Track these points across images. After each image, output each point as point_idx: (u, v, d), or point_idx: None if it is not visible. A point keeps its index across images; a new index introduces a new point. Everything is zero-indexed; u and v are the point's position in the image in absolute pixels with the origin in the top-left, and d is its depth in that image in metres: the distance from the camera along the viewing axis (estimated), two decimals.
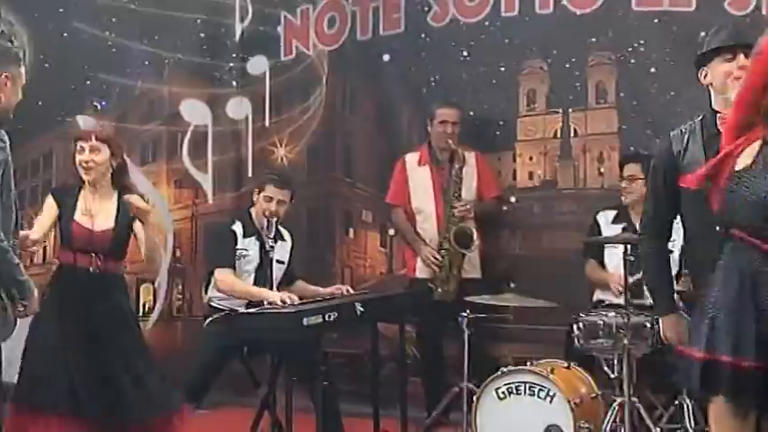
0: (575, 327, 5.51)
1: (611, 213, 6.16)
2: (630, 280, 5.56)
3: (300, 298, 5.49)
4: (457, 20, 7.11)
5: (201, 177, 7.82)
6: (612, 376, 5.37)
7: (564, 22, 6.78)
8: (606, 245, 6.05)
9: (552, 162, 6.92)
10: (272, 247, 5.60)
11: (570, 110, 6.85)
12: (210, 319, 5.70)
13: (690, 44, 6.34)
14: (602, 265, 6.16)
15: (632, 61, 6.61)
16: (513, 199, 6.93)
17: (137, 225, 5.28)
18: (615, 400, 5.25)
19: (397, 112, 7.41)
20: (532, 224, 6.78)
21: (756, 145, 3.35)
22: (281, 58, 7.76)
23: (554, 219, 6.89)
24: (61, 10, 7.41)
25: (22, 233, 4.53)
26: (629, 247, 5.51)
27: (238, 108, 7.86)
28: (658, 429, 5.28)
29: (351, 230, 7.60)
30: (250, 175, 7.72)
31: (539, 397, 5.35)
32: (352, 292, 5.97)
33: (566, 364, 5.59)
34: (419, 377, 6.89)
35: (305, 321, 4.89)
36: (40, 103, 7.38)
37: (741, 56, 3.95)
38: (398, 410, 5.86)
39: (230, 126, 7.88)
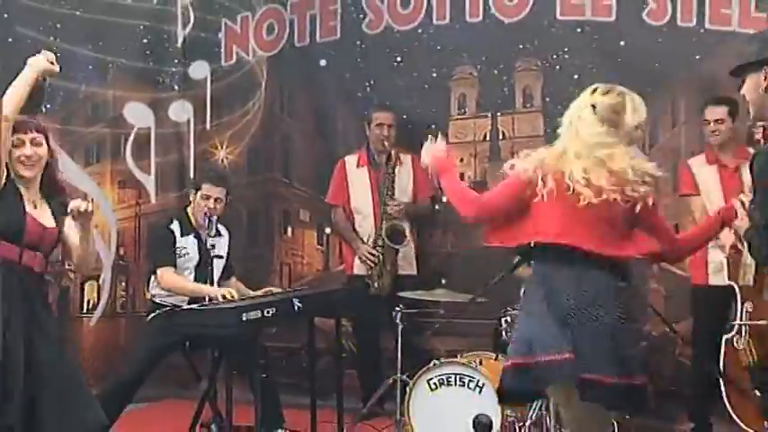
0: (503, 320, 5.58)
1: None
2: None
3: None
4: (391, 27, 7.16)
5: (144, 178, 7.79)
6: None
7: (493, 30, 6.87)
8: None
9: (482, 163, 7.00)
10: (212, 245, 5.62)
11: (498, 113, 6.94)
12: (153, 314, 5.69)
13: (610, 52, 6.50)
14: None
15: (557, 68, 6.71)
16: (444, 199, 6.97)
17: (68, 226, 4.77)
18: None
19: (333, 115, 7.45)
20: (464, 223, 6.82)
21: None
22: (222, 63, 7.76)
23: None
24: (6, 15, 7.33)
25: None
26: None
27: (180, 111, 7.84)
28: None
29: (289, 229, 7.62)
30: (192, 176, 7.69)
31: (468, 387, 5.42)
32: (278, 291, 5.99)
33: (494, 356, 5.67)
34: (355, 369, 6.95)
35: (244, 317, 4.93)
36: None
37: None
38: (335, 401, 5.90)
39: (172, 128, 7.85)
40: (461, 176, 6.95)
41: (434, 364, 5.53)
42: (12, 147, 4.20)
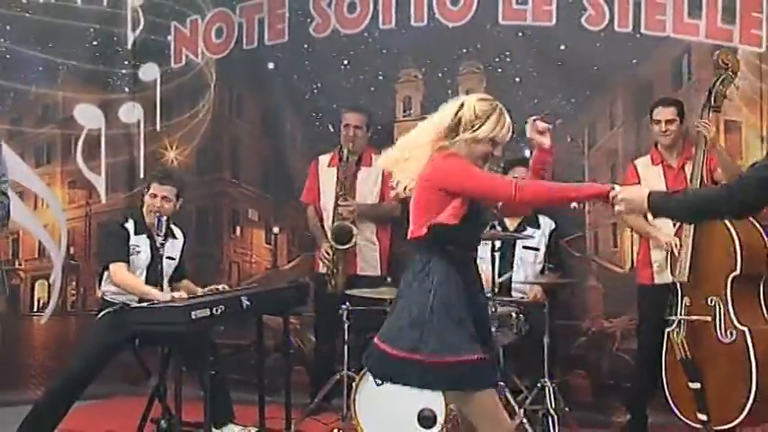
0: None
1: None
2: (500, 279, 5.68)
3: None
4: (338, 31, 7.14)
5: (95, 178, 7.70)
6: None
7: (437, 34, 6.88)
8: None
9: None
10: (161, 244, 5.57)
11: None
12: (104, 312, 5.62)
13: (550, 56, 6.55)
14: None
15: (499, 71, 6.73)
16: None
17: None
18: None
19: (281, 117, 7.40)
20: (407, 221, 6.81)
21: None
22: (172, 65, 7.68)
23: None
24: None
25: None
26: (496, 243, 5.62)
27: (130, 113, 7.76)
28: (522, 410, 5.39)
29: (237, 228, 7.58)
30: (142, 176, 7.62)
31: None
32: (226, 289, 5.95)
33: None
34: (303, 366, 6.93)
35: (193, 315, 4.91)
36: None
37: None
38: (283, 397, 5.88)
39: (123, 130, 7.76)
40: None
41: None
42: None
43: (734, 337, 5.12)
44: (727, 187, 3.59)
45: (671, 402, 5.42)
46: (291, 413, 5.88)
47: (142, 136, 7.75)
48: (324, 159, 6.81)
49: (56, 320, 7.56)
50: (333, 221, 6.54)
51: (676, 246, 5.37)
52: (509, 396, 5.38)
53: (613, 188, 3.70)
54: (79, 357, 5.60)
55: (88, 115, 7.65)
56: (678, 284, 5.38)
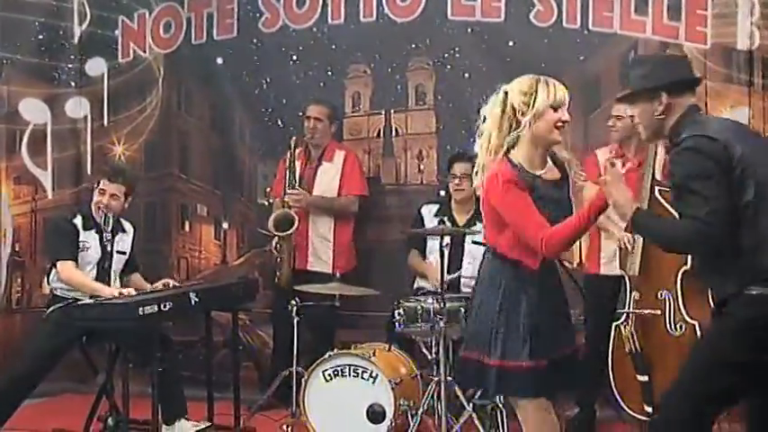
0: (396, 312, 5.57)
1: (434, 207, 6.30)
2: (448, 277, 5.68)
3: (136, 290, 5.44)
4: (287, 26, 7.08)
5: (41, 174, 7.58)
6: (430, 357, 5.47)
7: (386, 29, 6.86)
8: (428, 236, 6.15)
9: (376, 160, 6.99)
10: (109, 240, 5.53)
11: (392, 111, 6.93)
12: (51, 309, 5.54)
13: (499, 51, 6.56)
14: (424, 254, 6.27)
15: (448, 67, 6.73)
16: None
17: None
18: (432, 380, 5.32)
19: (230, 112, 7.33)
20: (359, 217, 6.81)
21: None
22: (119, 60, 7.57)
23: (378, 212, 6.95)
24: None
25: None
26: (446, 238, 5.62)
27: (77, 107, 7.64)
28: (471, 405, 5.39)
29: (186, 224, 7.50)
30: (89, 172, 7.53)
31: (362, 378, 5.42)
32: (176, 284, 5.90)
33: (387, 347, 5.67)
34: (251, 362, 6.90)
35: (141, 311, 4.86)
36: None
37: None
38: (232, 393, 5.85)
39: (69, 125, 7.64)
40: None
41: (329, 356, 5.50)
42: None
43: (683, 331, 5.15)
44: (701, 222, 3.51)
45: (617, 395, 5.45)
46: (241, 409, 5.85)
47: (89, 131, 7.64)
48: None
49: (0, 317, 7.44)
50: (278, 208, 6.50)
51: (629, 241, 5.40)
52: (458, 391, 5.38)
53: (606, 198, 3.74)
54: (26, 357, 5.51)
55: (34, 110, 7.53)
56: (627, 278, 5.41)
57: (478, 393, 5.62)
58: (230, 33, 7.27)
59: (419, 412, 5.30)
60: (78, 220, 5.63)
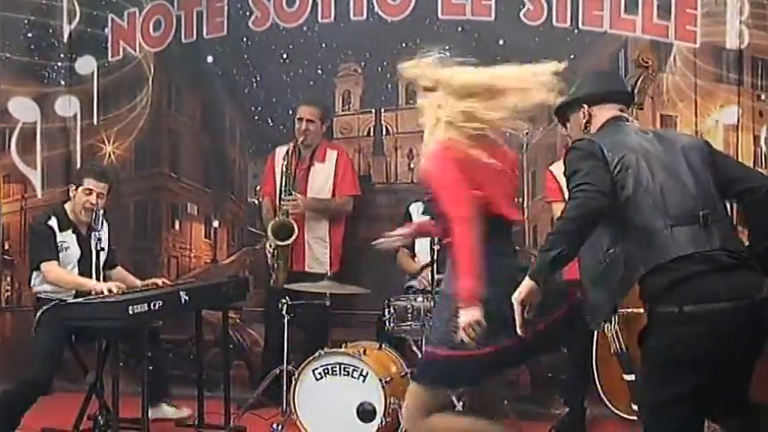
0: (386, 311, 5.60)
1: (422, 205, 6.29)
2: (438, 276, 5.69)
3: (123, 284, 5.48)
4: (277, 25, 7.09)
5: (30, 173, 7.59)
6: (420, 356, 5.49)
7: (376, 28, 6.87)
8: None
9: (366, 158, 7.01)
10: (99, 239, 5.55)
11: (382, 110, 6.95)
12: (42, 310, 5.55)
13: (489, 50, 6.57)
14: (413, 253, 6.29)
15: None
16: None
17: None
18: None
19: (220, 111, 7.33)
20: (349, 216, 6.83)
21: None
22: (109, 58, 7.55)
23: (369, 211, 6.97)
24: None
25: None
26: (435, 238, 5.63)
27: (67, 106, 7.63)
28: (461, 402, 5.42)
29: (177, 222, 7.51)
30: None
31: (352, 377, 5.44)
32: (168, 283, 5.92)
33: (377, 346, 5.69)
34: (242, 360, 6.91)
35: (131, 310, 4.87)
36: None
37: None
38: (222, 392, 5.86)
39: (59, 123, 7.64)
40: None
41: (319, 355, 5.52)
42: None
43: None
44: (585, 185, 3.48)
45: (604, 396, 5.47)
46: (231, 408, 5.87)
47: (79, 130, 7.63)
48: (280, 151, 6.73)
49: None
50: (276, 216, 6.50)
51: None
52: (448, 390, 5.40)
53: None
54: (34, 362, 5.48)
55: (23, 108, 7.54)
56: None
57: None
58: (220, 32, 7.26)
59: None
60: (53, 222, 5.65)
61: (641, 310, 5.20)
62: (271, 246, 6.48)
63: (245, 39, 7.20)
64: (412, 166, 6.87)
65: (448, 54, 6.53)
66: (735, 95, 6.11)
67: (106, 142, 7.56)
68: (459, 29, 6.68)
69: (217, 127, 7.39)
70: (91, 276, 5.55)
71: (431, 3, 6.71)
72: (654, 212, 3.49)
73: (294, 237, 6.39)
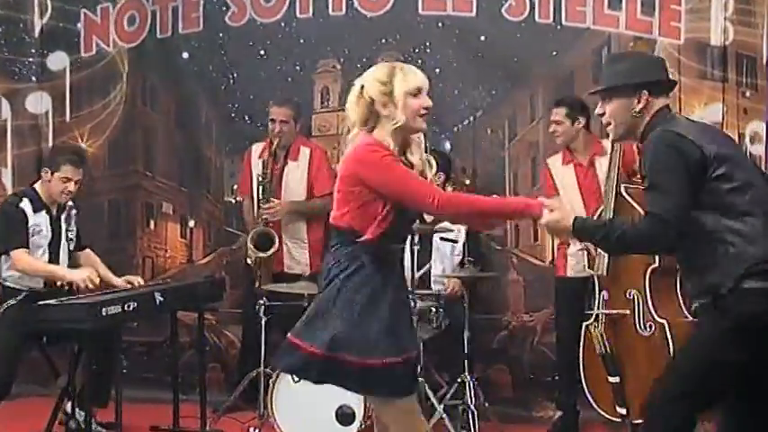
0: None
1: None
2: (418, 273, 5.66)
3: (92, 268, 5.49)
4: (254, 20, 7.02)
5: (1, 171, 7.52)
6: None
7: (355, 23, 6.82)
8: None
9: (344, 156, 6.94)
10: (59, 221, 5.63)
11: None
12: (6, 305, 5.48)
13: (470, 46, 6.56)
14: None
15: (419, 62, 6.64)
16: None
17: None
18: None
19: (195, 108, 7.28)
20: (327, 215, 6.77)
21: None
22: (82, 54, 7.46)
23: None
24: None
25: None
26: (415, 237, 5.59)
27: (38, 103, 7.54)
28: (442, 406, 5.39)
29: (152, 222, 7.44)
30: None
31: None
32: (142, 283, 5.85)
33: None
34: (218, 363, 6.86)
35: (104, 311, 4.81)
36: None
37: None
38: (198, 395, 5.81)
39: (30, 120, 7.55)
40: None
41: None
42: None
43: (653, 330, 5.18)
44: (659, 219, 3.49)
45: (590, 397, 5.46)
46: (207, 412, 5.82)
47: (51, 127, 7.56)
48: (256, 148, 6.64)
49: None
50: (254, 219, 6.42)
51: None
52: (428, 392, 5.36)
53: (542, 210, 3.67)
54: None
55: None
56: (596, 278, 5.42)
57: (450, 393, 5.63)
58: (196, 27, 7.20)
59: None
60: (26, 204, 5.58)
61: (626, 312, 5.25)
62: (251, 257, 6.39)
63: (221, 34, 7.14)
64: None
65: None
66: (719, 92, 6.10)
67: (79, 140, 7.46)
68: (440, 24, 6.65)
69: (193, 124, 7.33)
70: (59, 259, 5.51)
71: None
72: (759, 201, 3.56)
73: (275, 249, 6.29)
